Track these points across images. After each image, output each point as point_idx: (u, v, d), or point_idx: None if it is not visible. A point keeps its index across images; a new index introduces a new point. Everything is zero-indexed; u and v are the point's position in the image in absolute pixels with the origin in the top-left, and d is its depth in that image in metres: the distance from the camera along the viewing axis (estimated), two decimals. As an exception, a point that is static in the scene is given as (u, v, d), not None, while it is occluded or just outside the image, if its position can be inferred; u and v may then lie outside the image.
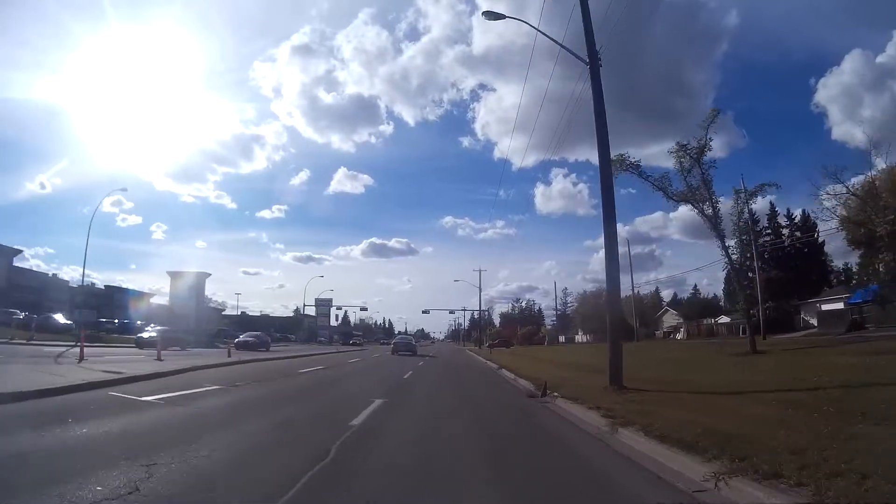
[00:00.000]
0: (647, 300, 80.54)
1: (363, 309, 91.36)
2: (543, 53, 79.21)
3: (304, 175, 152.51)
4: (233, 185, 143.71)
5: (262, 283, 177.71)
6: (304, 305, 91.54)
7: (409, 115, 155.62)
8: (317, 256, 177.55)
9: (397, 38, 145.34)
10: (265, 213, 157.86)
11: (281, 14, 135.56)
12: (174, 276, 52.89)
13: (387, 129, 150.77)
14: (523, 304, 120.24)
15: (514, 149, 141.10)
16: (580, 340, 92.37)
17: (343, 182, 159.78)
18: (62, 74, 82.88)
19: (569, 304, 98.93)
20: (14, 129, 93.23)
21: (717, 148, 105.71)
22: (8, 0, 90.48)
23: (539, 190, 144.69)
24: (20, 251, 52.79)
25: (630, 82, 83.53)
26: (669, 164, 23.69)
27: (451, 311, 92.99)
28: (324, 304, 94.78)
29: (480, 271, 71.97)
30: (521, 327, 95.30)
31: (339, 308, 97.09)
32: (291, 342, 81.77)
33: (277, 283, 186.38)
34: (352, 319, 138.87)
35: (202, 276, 54.41)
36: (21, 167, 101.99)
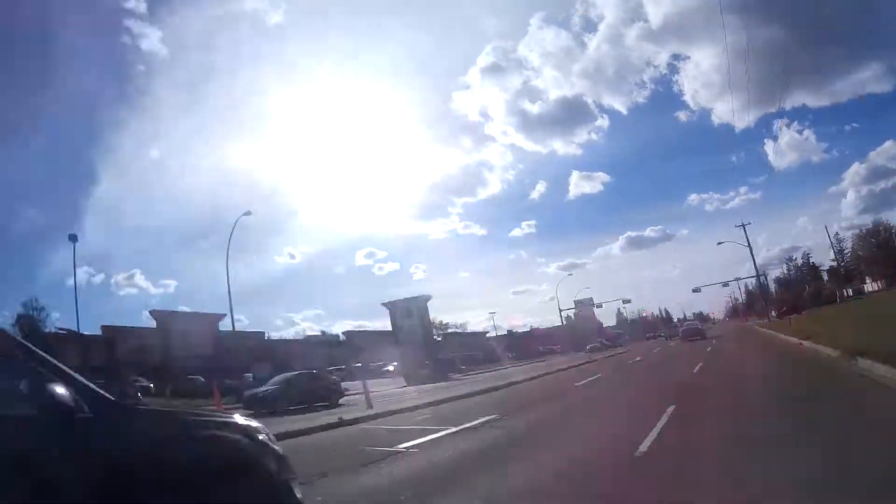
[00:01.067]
0: None
1: (626, 301, 74.38)
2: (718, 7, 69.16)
3: (541, 187, 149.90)
4: (476, 212, 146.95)
5: (534, 299, 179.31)
6: (561, 310, 78.57)
7: (619, 104, 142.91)
8: (579, 262, 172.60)
9: (576, 33, 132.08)
10: (517, 232, 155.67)
11: (459, 43, 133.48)
12: (392, 307, 46.81)
13: (602, 122, 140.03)
14: (798, 261, 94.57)
15: (729, 110, 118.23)
16: (870, 289, 71.22)
17: (580, 185, 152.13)
18: (285, 145, 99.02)
19: (846, 252, 78.05)
20: (254, 208, 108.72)
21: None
22: (212, 75, 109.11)
23: (768, 147, 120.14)
24: (223, 315, 50.16)
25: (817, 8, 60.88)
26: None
27: (725, 284, 70.81)
28: (584, 305, 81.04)
29: (744, 225, 51.38)
30: (806, 287, 74.91)
31: (598, 305, 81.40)
32: (556, 353, 70.46)
33: (548, 296, 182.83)
34: (624, 315, 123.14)
35: (422, 301, 47.10)
36: (266, 245, 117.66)
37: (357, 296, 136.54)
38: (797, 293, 74.96)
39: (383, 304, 49.10)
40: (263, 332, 59.13)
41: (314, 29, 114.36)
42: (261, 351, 52.08)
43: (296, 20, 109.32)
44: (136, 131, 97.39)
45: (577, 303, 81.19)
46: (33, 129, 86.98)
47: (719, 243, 59.64)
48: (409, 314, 45.46)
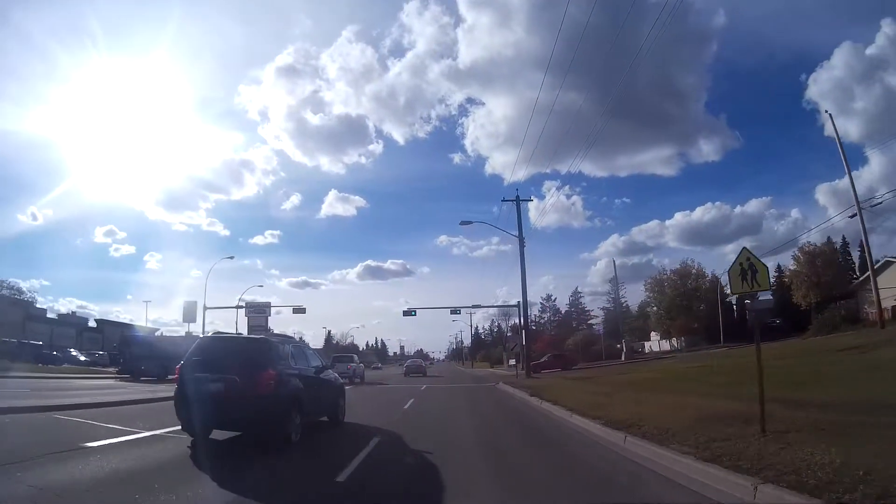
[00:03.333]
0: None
1: (298, 311, 56.89)
2: (530, 64, 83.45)
3: (295, 199, 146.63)
4: (225, 212, 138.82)
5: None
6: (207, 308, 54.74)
7: (398, 134, 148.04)
8: (312, 281, 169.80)
9: (382, 55, 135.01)
10: (258, 240, 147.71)
11: (264, 35, 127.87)
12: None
13: (376, 148, 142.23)
14: (564, 304, 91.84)
15: (505, 163, 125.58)
16: (659, 349, 64.42)
17: (335, 205, 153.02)
18: (51, 105, 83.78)
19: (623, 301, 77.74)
20: (3, 160, 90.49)
21: (712, 152, 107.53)
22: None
23: (532, 204, 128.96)
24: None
25: (622, 88, 69.56)
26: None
27: (455, 311, 57.74)
28: (256, 310, 57.96)
29: (519, 200, 33.22)
30: (571, 334, 66.89)
31: (278, 312, 61.95)
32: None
33: (275, 311, 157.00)
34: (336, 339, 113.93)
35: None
36: (12, 199, 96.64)
37: (87, 274, 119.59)
38: (558, 341, 63.13)
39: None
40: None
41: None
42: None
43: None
44: None
45: (249, 305, 57.86)
46: None
47: (462, 223, 42.92)
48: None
